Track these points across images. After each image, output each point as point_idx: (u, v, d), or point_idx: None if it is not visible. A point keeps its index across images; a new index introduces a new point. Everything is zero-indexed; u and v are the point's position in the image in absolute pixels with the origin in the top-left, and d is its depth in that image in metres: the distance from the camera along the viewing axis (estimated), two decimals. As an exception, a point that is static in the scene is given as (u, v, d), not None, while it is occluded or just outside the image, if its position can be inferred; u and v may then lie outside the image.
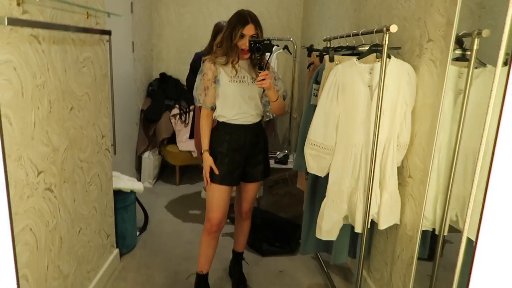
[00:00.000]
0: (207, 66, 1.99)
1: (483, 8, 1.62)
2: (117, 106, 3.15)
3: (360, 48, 1.93)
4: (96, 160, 2.15)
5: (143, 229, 2.98)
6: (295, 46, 3.64)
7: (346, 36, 2.13)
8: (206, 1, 4.29)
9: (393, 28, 1.59)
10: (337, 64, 1.91)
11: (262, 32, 1.96)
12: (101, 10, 2.04)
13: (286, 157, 3.27)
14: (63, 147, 1.77)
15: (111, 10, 2.21)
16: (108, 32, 2.13)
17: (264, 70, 1.82)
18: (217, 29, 2.95)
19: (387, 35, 1.65)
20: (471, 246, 1.38)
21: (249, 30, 1.90)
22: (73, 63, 1.83)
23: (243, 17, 1.92)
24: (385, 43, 1.65)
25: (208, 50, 3.05)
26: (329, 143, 1.77)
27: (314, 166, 1.83)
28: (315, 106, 2.10)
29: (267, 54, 1.91)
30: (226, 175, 2.02)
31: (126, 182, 2.62)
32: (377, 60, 1.82)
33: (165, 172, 4.29)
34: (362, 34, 1.90)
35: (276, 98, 1.94)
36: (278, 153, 3.41)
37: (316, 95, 2.10)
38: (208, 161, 2.01)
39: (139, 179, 3.87)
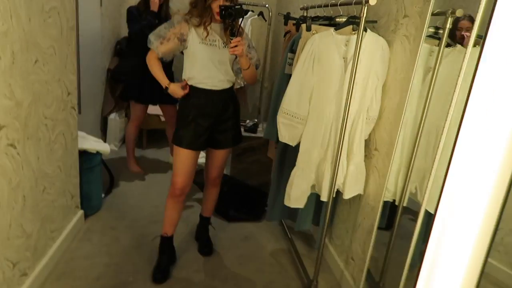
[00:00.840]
0: (178, 20, 1.95)
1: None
2: (83, 64, 3.02)
3: (337, 19, 1.93)
4: (61, 118, 2.07)
5: (108, 191, 2.94)
6: (270, 13, 3.58)
7: (324, 6, 2.12)
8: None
9: (372, 1, 1.60)
10: (314, 34, 1.90)
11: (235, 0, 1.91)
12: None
13: (255, 125, 3.28)
14: (26, 101, 1.68)
15: None
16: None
17: (236, 36, 1.79)
18: None
19: (366, 8, 1.65)
20: (428, 218, 1.48)
21: None
22: (38, 11, 1.72)
23: None
24: (363, 16, 1.66)
25: (142, 3, 2.99)
26: (302, 113, 1.79)
27: (285, 135, 1.85)
28: (289, 75, 2.11)
29: (240, 20, 1.88)
30: (192, 140, 2.00)
31: (92, 143, 2.55)
32: (353, 32, 1.83)
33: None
34: (340, 5, 1.90)
35: (248, 66, 1.93)
36: (247, 121, 3.41)
37: (290, 64, 2.10)
38: (177, 91, 1.99)
39: (104, 141, 3.77)
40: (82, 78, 2.95)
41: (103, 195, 2.82)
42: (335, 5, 1.94)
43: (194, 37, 1.93)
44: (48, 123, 1.91)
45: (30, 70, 1.69)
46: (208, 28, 1.92)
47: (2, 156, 1.53)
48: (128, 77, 3.15)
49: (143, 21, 2.88)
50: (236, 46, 1.77)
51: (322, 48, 1.73)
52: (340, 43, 1.75)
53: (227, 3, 1.84)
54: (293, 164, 1.99)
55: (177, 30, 1.94)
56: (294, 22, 2.27)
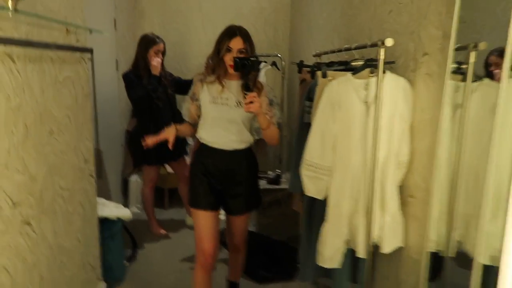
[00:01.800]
0: (194, 80, 1.95)
1: (464, 23, 1.58)
2: (101, 127, 3.03)
3: (353, 63, 1.86)
4: (79, 187, 2.01)
5: (131, 258, 2.83)
6: (283, 62, 3.59)
7: (338, 51, 2.07)
8: (191, 17, 4.23)
9: (389, 42, 1.53)
10: (330, 80, 1.84)
11: (252, 49, 1.83)
12: (82, 26, 1.94)
13: (278, 176, 3.17)
14: (41, 174, 1.64)
15: (93, 26, 2.11)
16: (90, 50, 2.02)
17: (252, 91, 1.67)
18: (145, 41, 2.98)
19: (383, 49, 1.58)
20: (483, 270, 1.30)
21: (236, 43, 1.79)
22: (51, 83, 1.71)
23: (231, 30, 1.82)
24: (380, 58, 1.59)
25: (134, 66, 3.00)
26: (327, 163, 1.68)
27: (311, 188, 1.73)
28: (308, 124, 2.03)
29: (256, 73, 1.84)
30: (202, 198, 1.89)
31: (112, 209, 2.48)
32: (371, 75, 1.76)
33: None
34: (355, 48, 1.84)
35: (267, 125, 1.77)
36: (270, 172, 3.31)
37: (309, 113, 2.02)
38: (168, 131, 1.88)
39: (125, 204, 3.71)
40: (101, 142, 2.95)
41: (126, 263, 2.70)
42: (349, 49, 1.89)
43: (205, 96, 1.87)
44: (65, 194, 1.85)
45: (45, 141, 1.66)
46: (224, 83, 1.85)
47: (16, 235, 1.46)
48: (133, 142, 3.15)
49: (149, 85, 2.87)
50: (251, 102, 1.63)
51: (341, 94, 1.65)
52: (359, 88, 1.67)
53: (241, 55, 1.77)
54: (322, 217, 1.85)
55: (193, 91, 1.93)
56: (309, 69, 2.22)
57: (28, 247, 1.53)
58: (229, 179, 1.90)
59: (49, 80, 1.69)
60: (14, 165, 1.43)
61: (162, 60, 3.01)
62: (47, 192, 1.69)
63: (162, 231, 3.23)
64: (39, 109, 1.61)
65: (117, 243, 2.49)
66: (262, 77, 3.49)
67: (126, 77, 2.96)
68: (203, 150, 1.92)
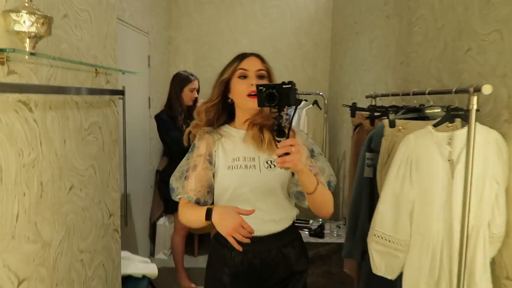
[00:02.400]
0: (198, 135, 1.32)
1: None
2: (130, 167, 2.81)
3: (428, 111, 1.56)
4: (101, 247, 1.75)
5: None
6: (325, 101, 3.31)
7: (403, 95, 1.77)
8: (226, 53, 4.04)
9: (487, 89, 1.22)
10: (400, 131, 1.53)
11: (272, 75, 1.29)
12: (114, 68, 1.74)
13: (321, 228, 2.82)
14: (57, 239, 1.39)
15: (126, 65, 1.91)
16: (121, 92, 1.81)
17: (287, 137, 1.06)
18: (179, 80, 2.80)
19: (475, 97, 1.27)
20: None
21: (251, 63, 1.26)
22: (75, 131, 1.49)
23: (240, 54, 1.32)
24: (472, 107, 1.27)
25: (167, 106, 2.79)
26: (403, 237, 1.35)
27: (381, 266, 1.39)
28: (369, 179, 1.72)
29: (291, 109, 1.46)
30: None
31: (137, 265, 2.20)
32: (450, 126, 1.44)
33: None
34: (430, 93, 1.53)
35: (313, 187, 1.14)
36: (311, 222, 2.97)
37: (370, 166, 1.71)
38: (225, 220, 1.10)
39: (153, 250, 3.44)
40: (129, 184, 2.73)
41: (149, 325, 2.39)
42: (420, 93, 1.59)
43: (220, 157, 1.28)
44: (84, 258, 1.60)
45: (63, 199, 1.42)
46: (236, 133, 1.29)
47: (20, 320, 1.19)
48: (164, 183, 2.91)
49: (184, 124, 2.69)
50: (287, 153, 1.03)
51: (420, 150, 1.34)
52: (442, 143, 1.36)
53: (262, 82, 1.22)
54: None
55: (202, 150, 1.29)
56: (367, 114, 1.93)
57: (34, 332, 1.26)
58: (270, 276, 1.30)
59: (73, 128, 1.47)
60: (23, 233, 1.19)
61: (196, 98, 2.84)
62: (63, 258, 1.43)
63: (192, 285, 2.91)
64: (58, 162, 1.38)
65: (142, 305, 2.20)
66: (303, 117, 3.22)
67: (159, 118, 2.77)
68: (226, 241, 1.15)
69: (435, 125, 1.35)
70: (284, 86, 1.08)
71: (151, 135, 3.45)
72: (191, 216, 1.24)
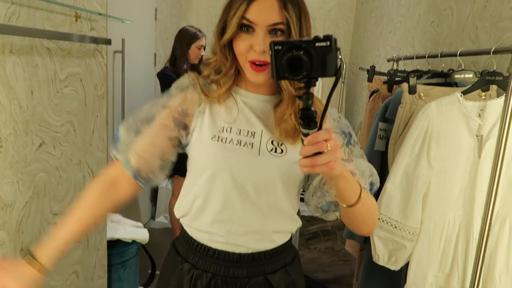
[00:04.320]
0: (181, 84, 0.91)
1: None
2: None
3: (457, 75, 1.30)
4: (80, 209, 1.62)
5: (148, 282, 2.43)
6: (345, 67, 3.03)
7: (430, 57, 1.51)
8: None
9: (535, 48, 0.97)
10: (421, 98, 1.30)
11: (308, 26, 0.83)
12: (96, 11, 1.53)
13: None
14: (22, 200, 1.25)
15: (127, 15, 1.69)
16: (107, 41, 1.61)
17: (320, 127, 0.64)
18: (186, 36, 2.58)
19: (518, 58, 1.02)
20: None
21: (263, 8, 0.79)
22: (47, 81, 1.32)
23: None
24: (513, 71, 1.03)
25: (171, 63, 2.58)
26: (413, 224, 1.14)
27: (384, 255, 1.20)
28: (381, 153, 1.50)
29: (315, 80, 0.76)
30: None
31: (127, 230, 2.08)
32: (483, 95, 1.19)
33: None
34: (461, 55, 1.28)
35: (356, 198, 0.77)
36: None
37: (382, 138, 1.49)
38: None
39: (154, 212, 3.36)
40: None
41: (141, 290, 2.31)
42: (452, 55, 1.33)
43: (205, 122, 0.87)
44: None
45: (30, 157, 1.27)
46: (236, 101, 0.88)
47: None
48: None
49: None
50: (320, 153, 0.63)
51: (443, 122, 1.11)
52: (471, 114, 1.12)
53: (280, 39, 0.79)
54: (389, 277, 1.33)
55: (176, 101, 0.89)
56: (385, 79, 1.68)
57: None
58: None
59: (43, 78, 1.30)
60: (-27, 193, 1.04)
61: (203, 56, 2.63)
62: (30, 221, 1.30)
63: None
64: (23, 115, 1.21)
65: (130, 270, 2.09)
66: (319, 85, 2.96)
67: (164, 75, 2.57)
68: (189, 249, 0.91)
69: (464, 92, 1.11)
70: (317, 45, 0.62)
71: (156, 94, 3.27)
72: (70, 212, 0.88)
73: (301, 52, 0.62)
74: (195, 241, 0.90)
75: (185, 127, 0.89)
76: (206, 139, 0.86)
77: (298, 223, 0.93)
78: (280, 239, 0.91)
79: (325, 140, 0.63)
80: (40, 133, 1.31)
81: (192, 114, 0.88)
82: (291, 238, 0.95)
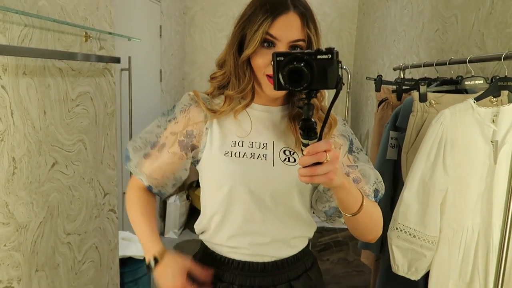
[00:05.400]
0: (183, 104, 0.91)
1: None
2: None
3: (468, 82, 1.30)
4: (93, 228, 1.62)
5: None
6: (349, 76, 3.05)
7: (438, 65, 1.51)
8: (245, 26, 3.82)
9: (548, 52, 0.97)
10: (432, 105, 1.29)
11: (318, 39, 0.85)
12: (105, 31, 1.55)
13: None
14: (36, 221, 1.25)
15: (133, 33, 1.72)
16: (116, 60, 1.63)
17: (320, 137, 0.67)
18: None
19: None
20: None
21: (287, 26, 0.79)
22: (59, 101, 1.33)
23: (272, 2, 0.81)
24: (526, 76, 1.03)
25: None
26: (431, 232, 1.13)
27: (403, 265, 1.19)
28: (393, 161, 1.49)
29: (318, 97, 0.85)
30: None
31: (138, 247, 2.07)
32: (495, 101, 1.19)
33: (193, 220, 3.70)
34: (471, 62, 1.28)
35: (357, 207, 0.78)
36: (328, 206, 2.76)
37: (394, 147, 1.49)
38: (162, 278, 0.86)
39: (163, 228, 3.34)
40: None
41: (153, 308, 2.28)
42: (460, 61, 1.33)
43: (214, 137, 0.87)
44: (71, 240, 1.46)
45: (44, 177, 1.27)
46: (249, 116, 0.88)
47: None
48: None
49: None
50: (319, 163, 0.65)
51: (457, 129, 1.11)
52: (485, 120, 1.12)
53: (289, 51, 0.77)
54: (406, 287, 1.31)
55: (181, 126, 0.89)
56: (393, 88, 1.68)
57: (6, 323, 1.13)
58: None
59: (55, 98, 1.31)
60: (-11, 215, 1.05)
61: None
62: (44, 241, 1.29)
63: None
64: (37, 136, 1.22)
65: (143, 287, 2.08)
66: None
67: None
68: (211, 262, 0.92)
69: (477, 99, 1.11)
70: (319, 57, 0.64)
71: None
72: (135, 225, 0.92)
73: (302, 64, 0.64)
74: (217, 254, 0.91)
75: (194, 147, 0.90)
76: (219, 155, 0.86)
77: (314, 226, 0.95)
78: (300, 244, 0.93)
79: (325, 151, 0.65)
80: (53, 153, 1.31)
81: (198, 134, 0.89)
82: (309, 244, 0.97)
